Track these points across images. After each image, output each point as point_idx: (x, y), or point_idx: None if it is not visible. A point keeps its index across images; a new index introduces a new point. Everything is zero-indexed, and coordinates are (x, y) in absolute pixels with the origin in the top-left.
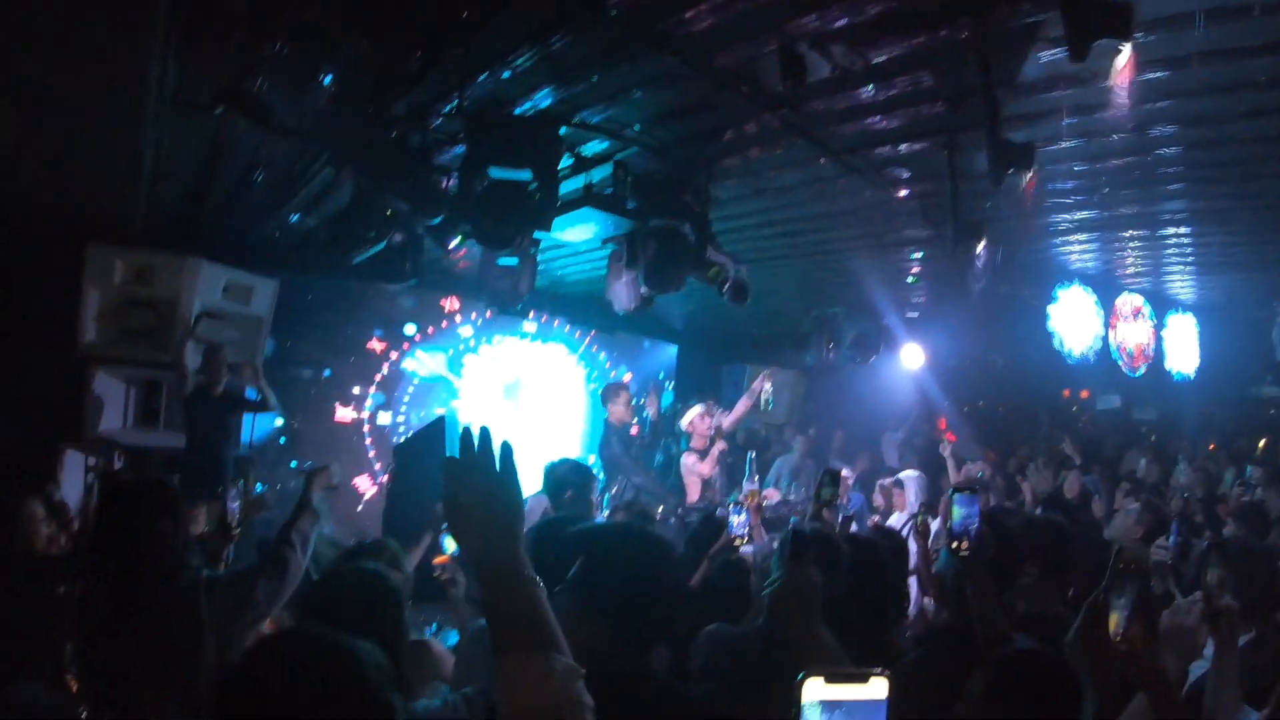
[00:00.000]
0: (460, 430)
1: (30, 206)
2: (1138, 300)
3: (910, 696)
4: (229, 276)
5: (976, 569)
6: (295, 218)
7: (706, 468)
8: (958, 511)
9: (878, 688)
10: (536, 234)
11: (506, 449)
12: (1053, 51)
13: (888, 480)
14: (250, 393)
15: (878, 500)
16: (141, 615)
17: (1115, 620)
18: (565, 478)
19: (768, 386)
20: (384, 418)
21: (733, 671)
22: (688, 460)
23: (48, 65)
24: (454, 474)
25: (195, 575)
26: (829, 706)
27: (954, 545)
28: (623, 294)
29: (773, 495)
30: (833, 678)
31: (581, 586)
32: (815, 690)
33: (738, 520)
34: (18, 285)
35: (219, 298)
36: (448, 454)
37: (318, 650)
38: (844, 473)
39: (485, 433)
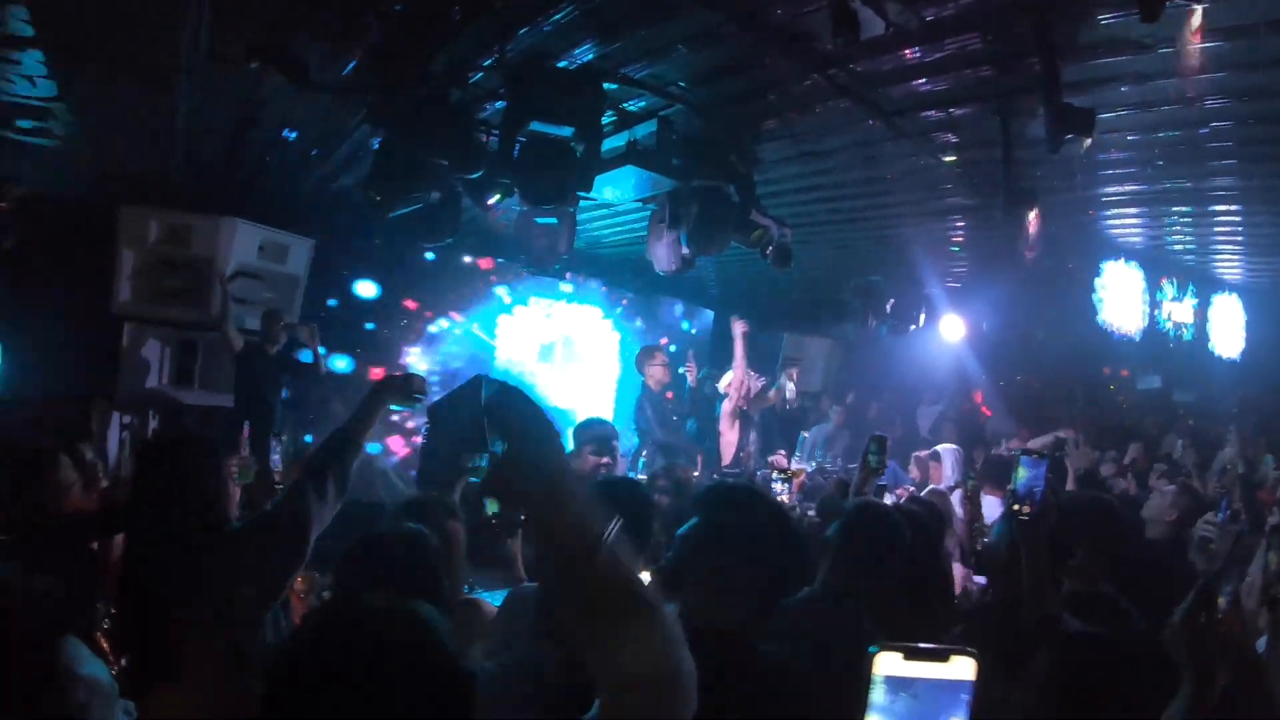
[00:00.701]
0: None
1: (66, 167)
2: (1183, 278)
3: None
4: (264, 236)
5: (1035, 537)
6: (331, 176)
7: (731, 402)
8: (1023, 473)
9: (961, 667)
10: (578, 191)
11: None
12: (1114, 14)
13: (924, 453)
14: (304, 355)
15: (913, 473)
16: (180, 569)
17: (1221, 604)
18: (583, 436)
19: (790, 386)
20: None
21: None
22: (724, 408)
23: (82, 20)
24: (504, 421)
25: (233, 527)
26: (900, 685)
27: (1015, 508)
28: (663, 255)
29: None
30: (911, 653)
31: (706, 547)
32: (889, 664)
33: (779, 488)
34: (55, 247)
35: (254, 257)
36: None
37: (391, 619)
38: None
39: (519, 391)
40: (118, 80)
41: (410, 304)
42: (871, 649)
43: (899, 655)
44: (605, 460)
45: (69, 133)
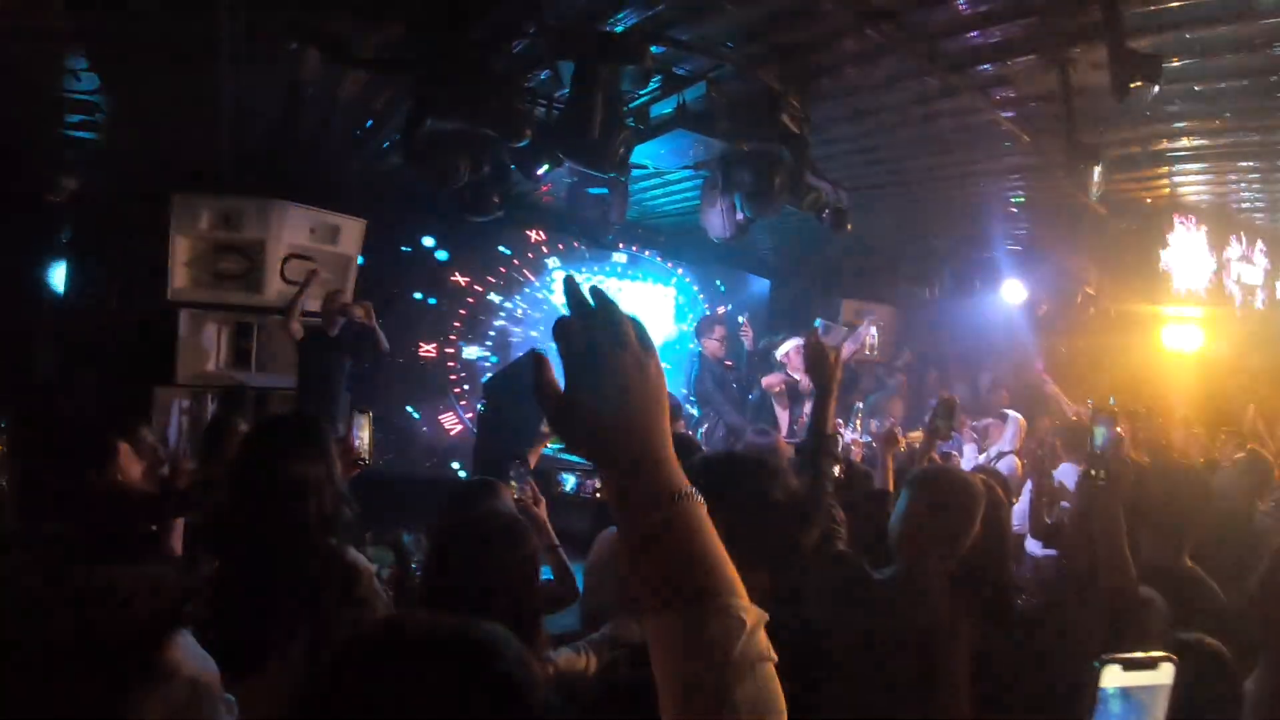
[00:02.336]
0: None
1: (119, 155)
2: (1251, 238)
3: (1026, 650)
4: (315, 217)
5: (1110, 502)
6: (380, 155)
7: (775, 380)
8: (1100, 433)
9: (1166, 673)
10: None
11: (641, 327)
12: None
13: (981, 422)
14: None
15: (971, 438)
16: (282, 564)
17: None
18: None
19: (873, 330)
20: (470, 353)
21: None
22: (766, 382)
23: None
24: (582, 354)
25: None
26: (1120, 695)
27: (1091, 472)
28: (717, 221)
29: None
30: (1129, 664)
31: None
32: (1113, 677)
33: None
34: (109, 238)
35: (306, 238)
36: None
37: (445, 644)
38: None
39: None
40: (159, 68)
41: (461, 279)
42: (1096, 664)
43: (1119, 667)
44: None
45: (116, 124)
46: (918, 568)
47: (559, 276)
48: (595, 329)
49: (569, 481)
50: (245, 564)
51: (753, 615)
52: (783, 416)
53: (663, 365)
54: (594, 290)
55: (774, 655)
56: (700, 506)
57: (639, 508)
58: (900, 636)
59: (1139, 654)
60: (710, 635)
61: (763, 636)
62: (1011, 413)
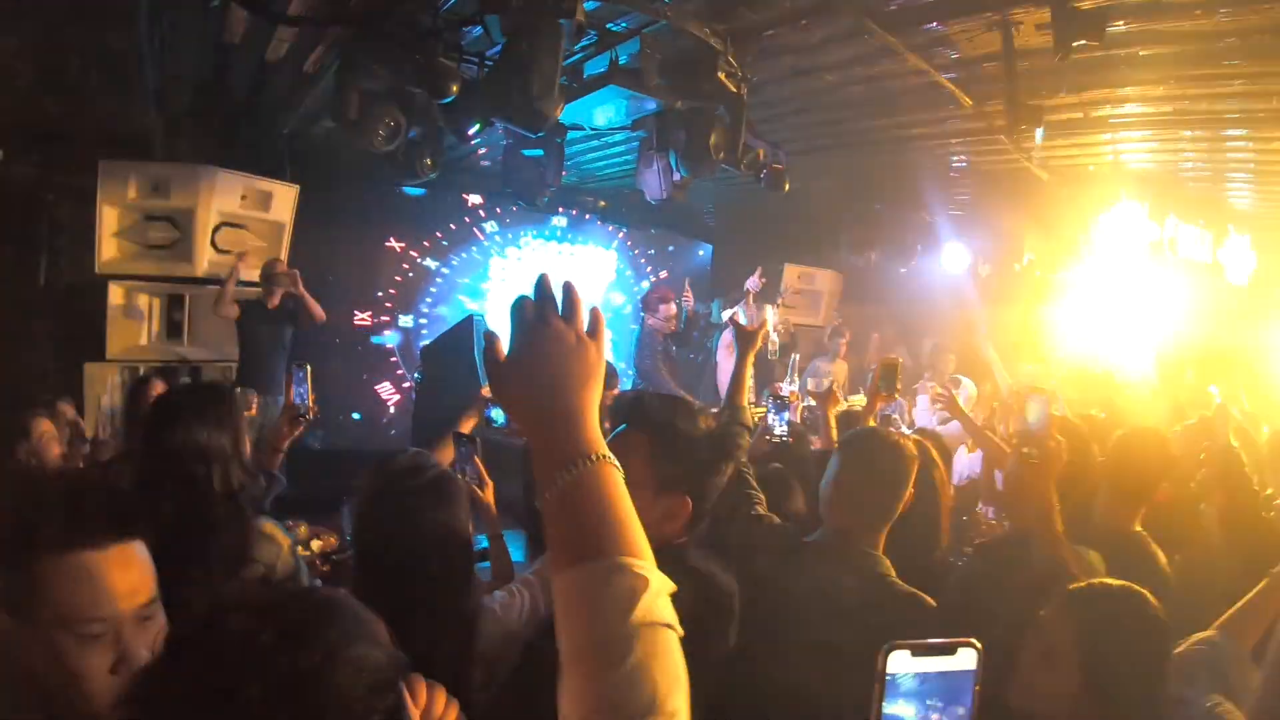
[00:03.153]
0: (472, 353)
1: (42, 123)
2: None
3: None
4: (246, 184)
5: (1041, 480)
6: (311, 119)
7: (723, 352)
8: (1033, 410)
9: (966, 658)
10: (552, 109)
11: (596, 312)
12: None
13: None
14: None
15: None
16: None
17: None
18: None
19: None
20: (405, 320)
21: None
22: (723, 339)
23: None
24: (528, 320)
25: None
26: (909, 681)
27: (1025, 451)
28: (653, 182)
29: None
30: (919, 650)
31: None
32: (899, 662)
33: (774, 418)
34: (34, 205)
35: (237, 205)
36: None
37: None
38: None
39: (568, 286)
40: (75, 27)
41: (394, 245)
42: (885, 646)
43: (907, 652)
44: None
45: (32, 90)
46: (847, 531)
47: (499, 239)
48: (546, 307)
49: None
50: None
51: (656, 580)
52: (727, 369)
53: (604, 351)
54: (565, 285)
55: (678, 626)
56: (616, 470)
57: (554, 465)
58: (825, 599)
59: (932, 640)
60: (611, 593)
61: (667, 604)
62: (965, 379)
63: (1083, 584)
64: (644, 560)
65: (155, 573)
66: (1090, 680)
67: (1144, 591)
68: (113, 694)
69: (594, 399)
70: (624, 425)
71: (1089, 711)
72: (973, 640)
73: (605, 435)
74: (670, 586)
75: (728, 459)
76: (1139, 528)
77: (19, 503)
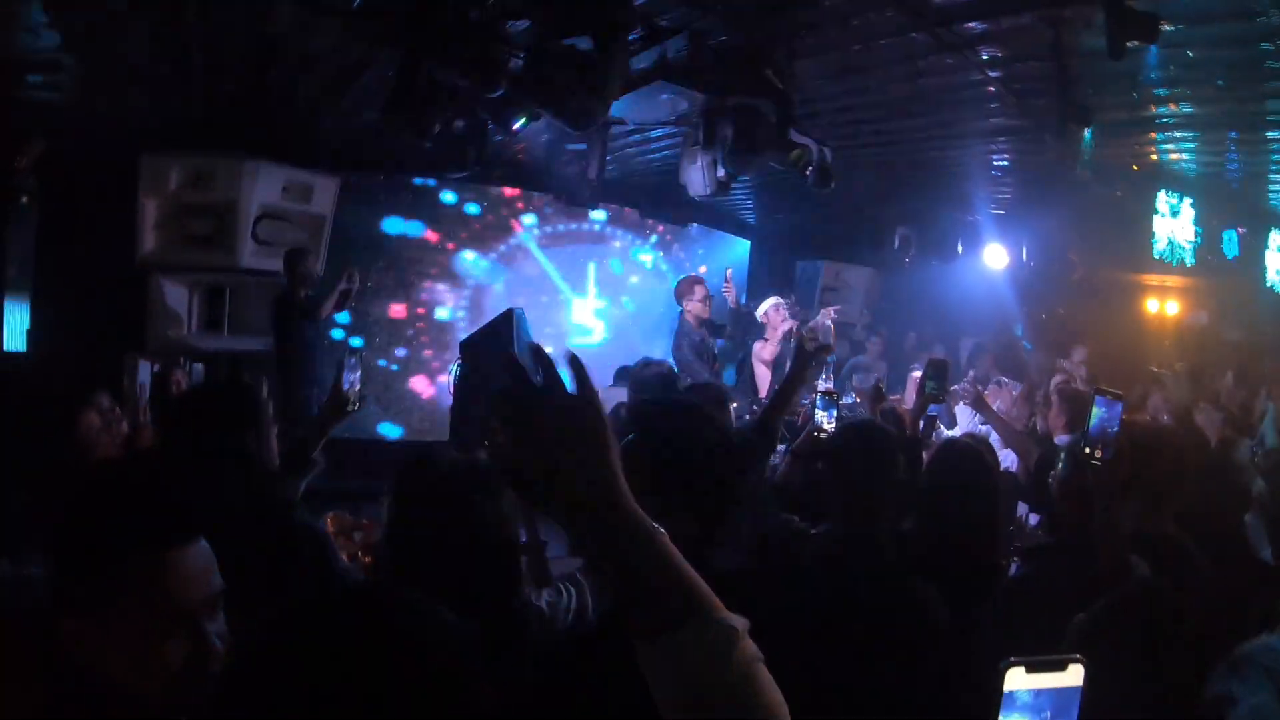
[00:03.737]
0: (511, 347)
1: (84, 115)
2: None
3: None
4: (288, 176)
5: (1109, 483)
6: (354, 111)
7: (769, 350)
8: (1096, 413)
9: (1075, 674)
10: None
11: (577, 363)
12: None
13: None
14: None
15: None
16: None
17: None
18: (647, 381)
19: (829, 325)
20: (441, 313)
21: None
22: (756, 347)
23: None
24: (514, 412)
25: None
26: (1025, 698)
27: (1088, 451)
28: (697, 179)
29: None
30: (1033, 667)
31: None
32: (1017, 679)
33: (823, 414)
34: (79, 197)
35: (278, 198)
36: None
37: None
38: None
39: (538, 350)
40: (123, 21)
41: (431, 236)
42: (1002, 664)
43: (1022, 670)
44: None
45: (80, 83)
46: (854, 525)
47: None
48: (541, 382)
49: None
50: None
51: (739, 622)
52: (766, 374)
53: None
54: (532, 348)
55: (762, 655)
56: (663, 534)
57: (619, 547)
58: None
59: (1044, 656)
60: (707, 648)
61: (750, 641)
62: (1009, 381)
63: None
64: (722, 610)
65: None
66: None
67: None
68: (184, 684)
69: (618, 461)
70: (631, 436)
71: None
72: (1080, 656)
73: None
74: (748, 624)
75: (748, 471)
76: (1172, 527)
77: (94, 501)
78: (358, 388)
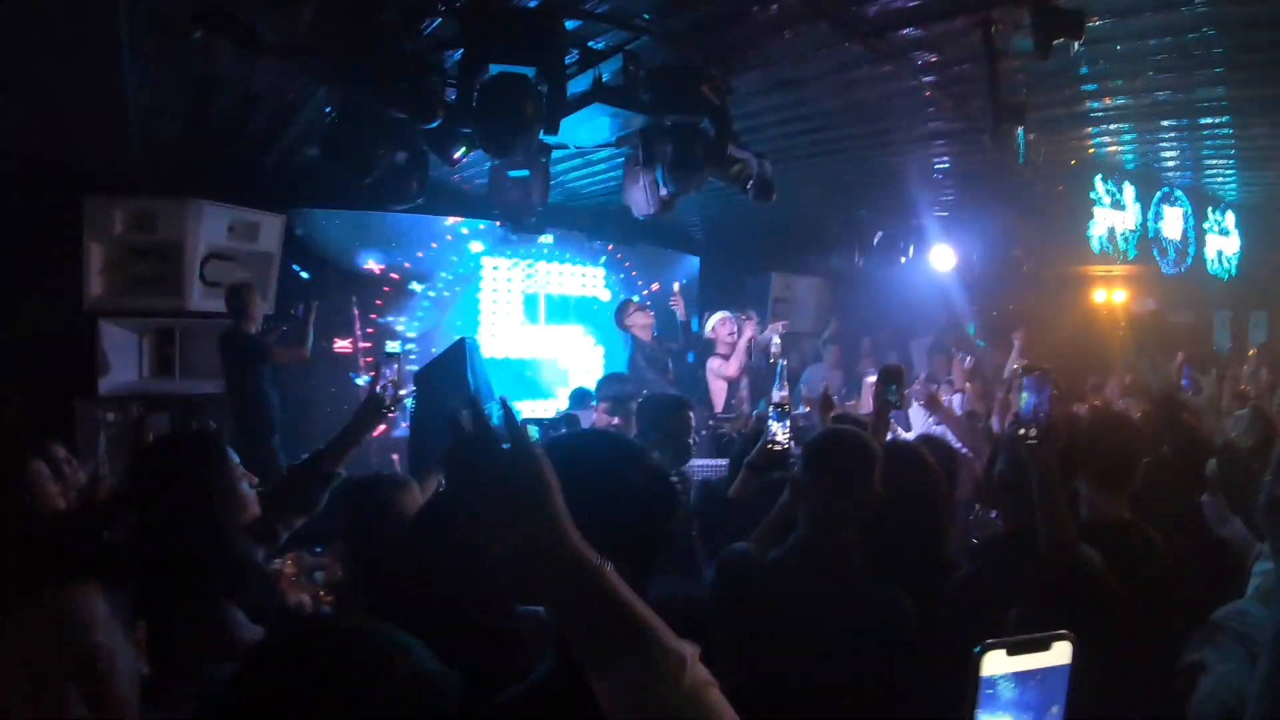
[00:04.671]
0: (464, 376)
1: (24, 160)
2: (1177, 196)
3: (964, 612)
4: (233, 215)
5: (1044, 461)
6: (295, 148)
7: (731, 368)
8: (1026, 396)
9: (1061, 652)
10: (545, 137)
11: (510, 415)
12: None
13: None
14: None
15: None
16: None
17: None
18: (602, 393)
19: (776, 340)
20: (391, 345)
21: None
22: (712, 364)
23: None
24: (456, 469)
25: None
26: (1006, 681)
27: (1021, 432)
28: (640, 199)
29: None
30: (1015, 648)
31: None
32: (995, 663)
33: (776, 426)
34: (20, 243)
35: (224, 238)
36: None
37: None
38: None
39: (475, 406)
40: (58, 64)
41: (375, 267)
42: (976, 649)
43: (1003, 652)
44: (617, 420)
45: (17, 126)
46: (816, 536)
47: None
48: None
49: None
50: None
51: (688, 649)
52: (721, 387)
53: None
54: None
55: (714, 680)
56: (611, 569)
57: (564, 586)
58: (800, 606)
59: (1026, 636)
60: (658, 676)
61: (701, 666)
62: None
63: None
64: (672, 638)
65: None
66: None
67: None
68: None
69: (559, 501)
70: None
71: None
72: (1066, 632)
73: None
74: (698, 649)
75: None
76: (1129, 514)
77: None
78: (392, 392)
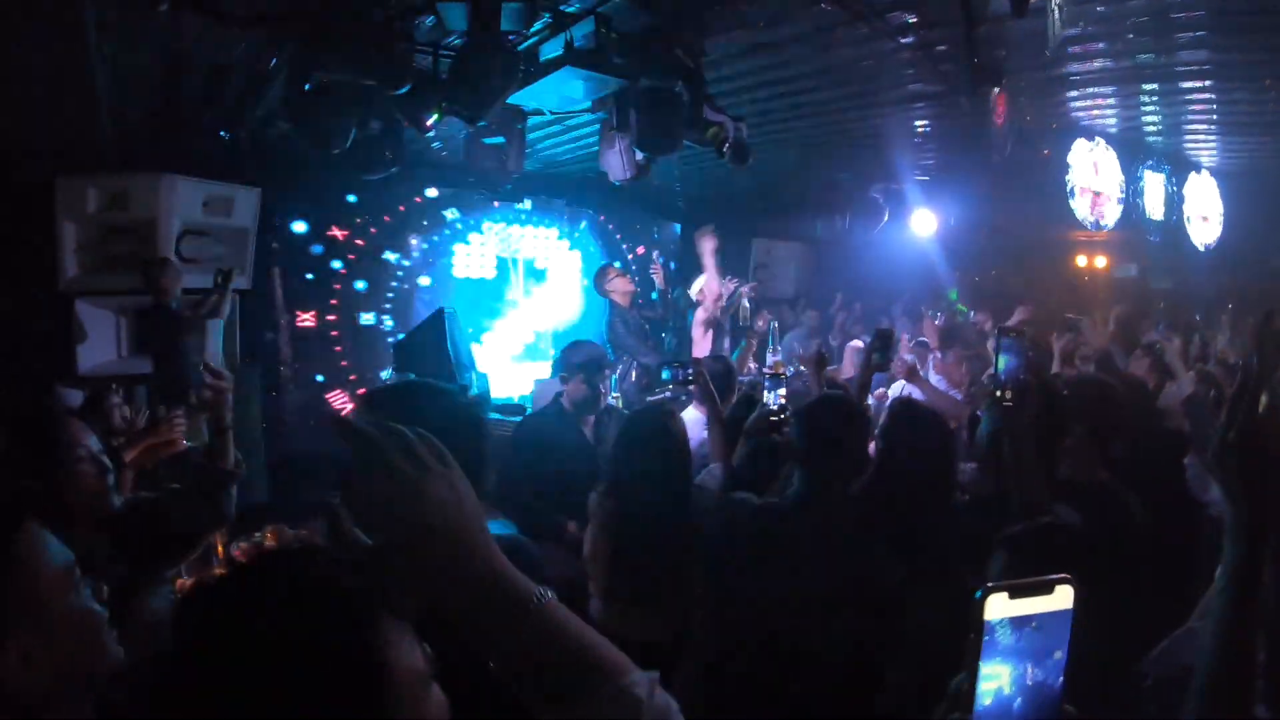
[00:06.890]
0: (444, 346)
1: None
2: (1157, 161)
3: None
4: (207, 190)
5: (1018, 423)
6: (269, 120)
7: (706, 310)
8: (1003, 359)
9: (1064, 596)
10: (516, 100)
11: (424, 436)
12: None
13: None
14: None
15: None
16: None
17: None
18: (573, 360)
19: (745, 305)
20: (366, 318)
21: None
22: (698, 315)
23: None
24: (364, 501)
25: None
26: (1010, 624)
27: (998, 394)
28: (616, 163)
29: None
30: (1017, 591)
31: None
32: (997, 606)
33: (770, 396)
34: None
35: (199, 213)
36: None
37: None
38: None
39: (381, 423)
40: (21, 41)
41: (344, 235)
42: (978, 594)
43: (1005, 595)
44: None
45: None
46: (809, 494)
47: (459, 227)
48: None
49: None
50: None
51: (643, 686)
52: (705, 348)
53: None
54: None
55: (674, 701)
56: (558, 605)
57: (503, 626)
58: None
59: (1028, 579)
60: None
61: (662, 694)
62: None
63: None
64: (626, 674)
65: None
66: None
67: None
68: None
69: (483, 530)
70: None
71: None
72: (1068, 576)
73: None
74: (656, 678)
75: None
76: (1105, 474)
77: None
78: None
